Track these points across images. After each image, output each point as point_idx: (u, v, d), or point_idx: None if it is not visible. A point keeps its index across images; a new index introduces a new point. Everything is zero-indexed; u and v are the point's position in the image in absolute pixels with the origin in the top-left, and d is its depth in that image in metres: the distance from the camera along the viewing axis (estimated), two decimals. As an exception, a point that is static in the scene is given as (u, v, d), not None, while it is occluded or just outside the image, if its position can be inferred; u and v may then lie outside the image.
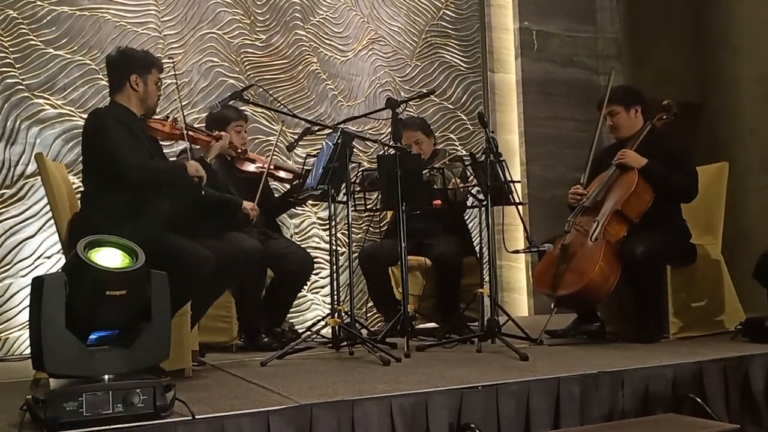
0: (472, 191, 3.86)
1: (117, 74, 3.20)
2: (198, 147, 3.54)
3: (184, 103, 4.90)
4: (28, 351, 2.26)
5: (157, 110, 3.34)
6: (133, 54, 3.26)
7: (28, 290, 2.75)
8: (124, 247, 2.24)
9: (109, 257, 2.21)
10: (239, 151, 4.07)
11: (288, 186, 4.39)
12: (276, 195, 4.52)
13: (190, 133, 3.44)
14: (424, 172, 3.92)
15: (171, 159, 3.71)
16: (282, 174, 4.30)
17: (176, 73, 4.97)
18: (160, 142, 3.43)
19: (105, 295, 2.13)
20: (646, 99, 3.97)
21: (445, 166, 3.99)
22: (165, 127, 3.37)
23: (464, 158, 4.12)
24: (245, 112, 4.38)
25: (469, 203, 4.06)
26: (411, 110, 5.49)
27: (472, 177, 3.90)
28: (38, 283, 2.17)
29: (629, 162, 3.72)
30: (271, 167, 4.22)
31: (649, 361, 2.93)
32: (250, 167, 4.19)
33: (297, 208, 5.05)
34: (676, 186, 3.72)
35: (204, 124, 4.20)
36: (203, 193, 3.23)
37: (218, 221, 3.84)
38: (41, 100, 4.63)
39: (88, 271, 2.14)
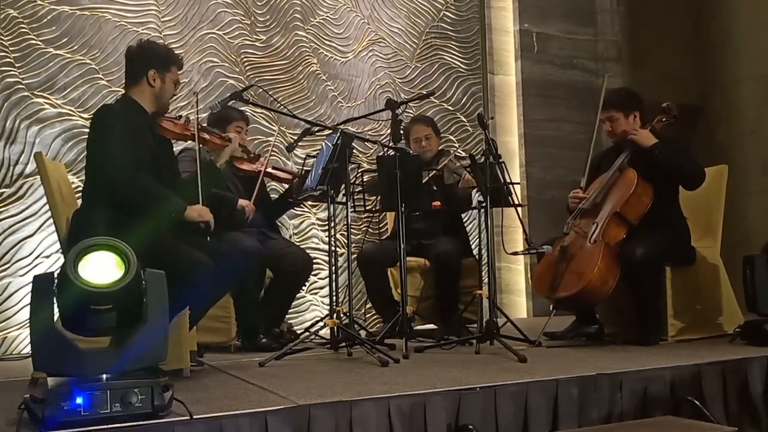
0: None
1: (135, 67, 3.07)
2: (208, 150, 3.50)
3: (184, 103, 4.92)
4: (27, 350, 2.26)
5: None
6: (154, 48, 3.15)
7: (26, 289, 2.75)
8: (118, 251, 2.14)
9: (101, 264, 2.12)
10: (242, 153, 4.06)
11: (286, 186, 4.39)
12: (274, 196, 4.52)
13: (203, 134, 3.32)
14: (431, 171, 3.93)
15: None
16: (280, 174, 4.29)
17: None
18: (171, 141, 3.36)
19: (90, 309, 2.10)
20: (646, 101, 3.97)
21: (451, 164, 3.99)
22: (176, 127, 3.24)
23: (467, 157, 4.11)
24: (246, 114, 4.38)
25: (474, 199, 4.00)
26: (411, 111, 5.49)
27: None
28: (34, 282, 2.16)
29: (640, 139, 3.71)
30: (269, 168, 4.21)
31: (647, 363, 2.93)
32: (247, 166, 4.18)
33: (296, 208, 5.05)
34: (684, 167, 3.71)
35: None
36: (209, 233, 3.06)
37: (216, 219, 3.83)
38: (41, 100, 4.62)
39: (72, 286, 2.08)
